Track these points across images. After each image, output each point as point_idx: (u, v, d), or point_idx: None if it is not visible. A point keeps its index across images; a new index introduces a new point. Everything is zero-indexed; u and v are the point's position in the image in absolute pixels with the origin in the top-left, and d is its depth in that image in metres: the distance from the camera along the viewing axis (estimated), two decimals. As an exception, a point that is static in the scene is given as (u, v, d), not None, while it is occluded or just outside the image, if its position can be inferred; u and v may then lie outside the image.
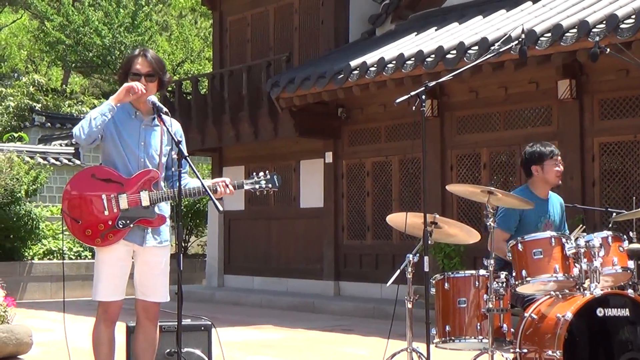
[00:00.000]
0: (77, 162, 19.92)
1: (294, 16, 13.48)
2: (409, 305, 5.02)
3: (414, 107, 4.83)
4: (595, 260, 4.81)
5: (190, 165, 4.47)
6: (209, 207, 15.27)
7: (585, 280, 4.84)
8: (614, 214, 6.00)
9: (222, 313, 10.98)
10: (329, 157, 12.79)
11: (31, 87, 27.81)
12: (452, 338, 4.95)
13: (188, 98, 14.28)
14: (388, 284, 5.11)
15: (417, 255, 5.00)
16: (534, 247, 4.90)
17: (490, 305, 4.81)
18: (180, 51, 28.24)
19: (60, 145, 21.18)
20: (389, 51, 10.89)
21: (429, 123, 10.93)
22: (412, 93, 4.91)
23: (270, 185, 4.73)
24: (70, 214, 4.50)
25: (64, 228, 4.61)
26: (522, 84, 10.31)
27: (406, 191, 11.76)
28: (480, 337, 4.87)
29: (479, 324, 4.89)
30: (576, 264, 4.88)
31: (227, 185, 4.60)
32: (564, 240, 4.93)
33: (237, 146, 13.93)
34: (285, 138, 12.73)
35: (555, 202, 5.67)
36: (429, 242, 4.88)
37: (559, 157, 5.57)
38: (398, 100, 4.94)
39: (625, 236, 5.14)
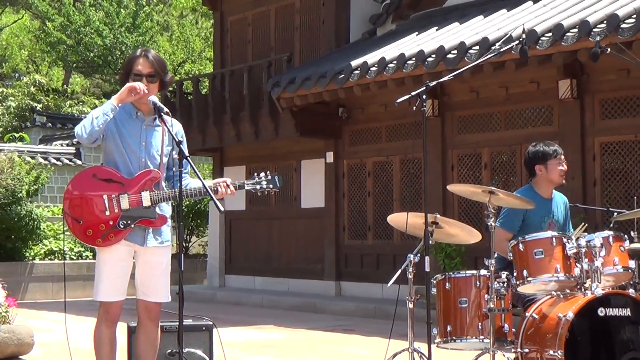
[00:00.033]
0: (78, 162, 19.90)
1: (294, 16, 13.47)
2: (410, 305, 5.03)
3: (414, 107, 4.84)
4: (597, 260, 4.80)
5: (191, 165, 4.45)
6: (210, 207, 15.26)
7: (586, 280, 4.84)
8: (615, 213, 6.01)
9: (223, 313, 10.98)
10: (329, 157, 12.78)
11: (32, 87, 27.80)
12: (454, 338, 4.96)
13: (189, 98, 14.28)
14: (389, 284, 5.12)
15: (418, 255, 5.00)
16: (535, 247, 4.90)
17: (492, 305, 4.80)
18: (181, 51, 28.24)
19: (62, 146, 21.15)
20: (389, 51, 10.88)
21: (430, 123, 10.93)
22: (413, 93, 4.92)
23: (271, 186, 4.72)
24: (72, 214, 4.50)
25: (65, 228, 4.60)
26: (523, 84, 10.31)
27: (407, 191, 11.75)
28: (482, 337, 4.87)
29: (480, 323, 4.89)
30: (577, 264, 4.88)
31: (228, 186, 4.59)
32: (565, 240, 4.93)
33: (238, 146, 13.93)
34: (286, 138, 12.73)
35: (560, 201, 5.65)
36: (430, 242, 4.88)
37: (563, 157, 5.55)
38: (399, 100, 4.93)
39: (626, 236, 5.13)
